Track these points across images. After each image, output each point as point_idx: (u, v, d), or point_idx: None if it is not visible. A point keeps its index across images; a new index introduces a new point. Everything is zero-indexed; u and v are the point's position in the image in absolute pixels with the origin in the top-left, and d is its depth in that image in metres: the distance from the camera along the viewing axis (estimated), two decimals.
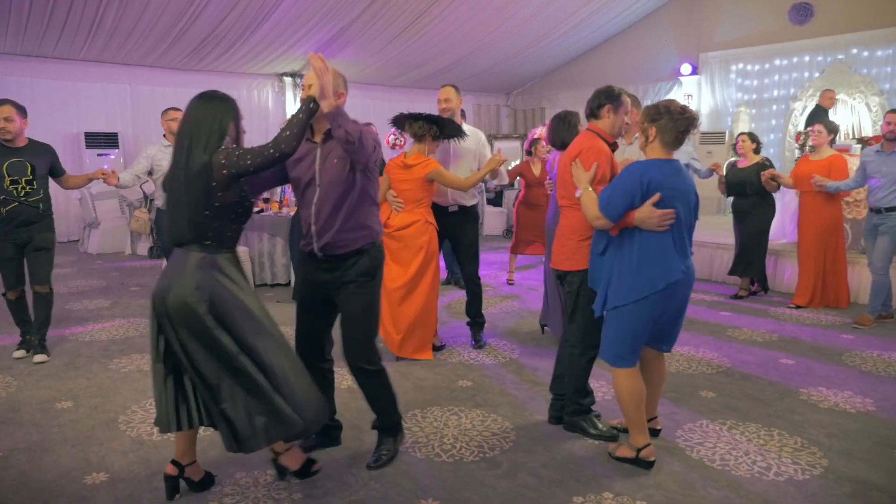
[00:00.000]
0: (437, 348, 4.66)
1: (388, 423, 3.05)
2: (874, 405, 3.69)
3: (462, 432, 3.33)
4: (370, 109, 11.91)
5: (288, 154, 2.46)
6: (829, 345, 4.85)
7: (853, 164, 6.07)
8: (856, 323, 5.33)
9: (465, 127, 4.68)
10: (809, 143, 6.96)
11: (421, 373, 4.22)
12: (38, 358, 4.42)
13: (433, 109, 4.64)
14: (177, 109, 5.09)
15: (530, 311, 5.86)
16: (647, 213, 2.74)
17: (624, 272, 2.83)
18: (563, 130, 3.96)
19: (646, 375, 3.03)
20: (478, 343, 4.76)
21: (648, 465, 2.92)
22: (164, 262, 6.54)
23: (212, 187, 2.44)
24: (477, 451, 3.13)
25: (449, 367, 4.35)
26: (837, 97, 9.27)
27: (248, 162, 2.42)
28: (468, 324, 4.83)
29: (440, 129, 4.38)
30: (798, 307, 5.89)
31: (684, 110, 2.80)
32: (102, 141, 10.11)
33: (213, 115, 2.51)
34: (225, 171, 2.43)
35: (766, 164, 6.07)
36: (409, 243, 4.35)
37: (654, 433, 3.18)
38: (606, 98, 3.15)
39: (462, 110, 4.97)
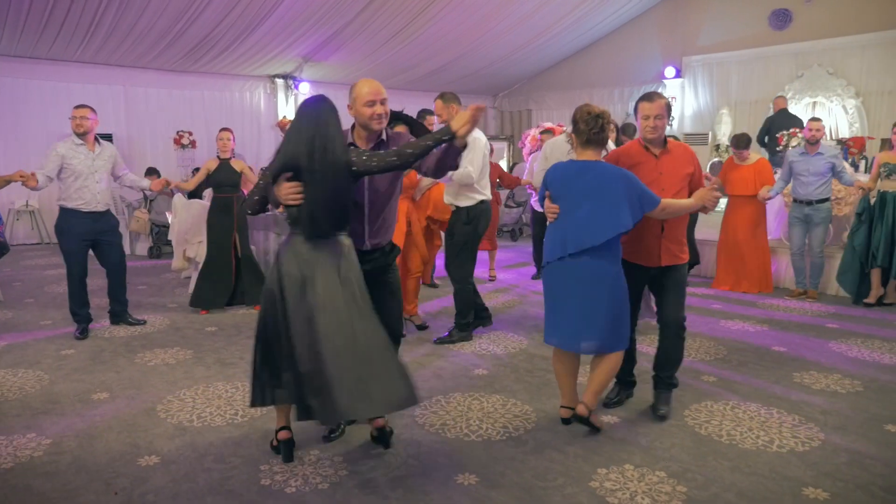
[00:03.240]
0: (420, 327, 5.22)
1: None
2: (862, 386, 3.99)
3: (486, 415, 3.56)
4: None
5: (403, 167, 2.88)
6: (816, 332, 5.17)
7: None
8: (808, 298, 6.28)
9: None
10: (792, 143, 7.34)
11: (438, 363, 4.44)
12: None
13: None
14: (85, 107, 4.94)
15: (531, 303, 6.11)
16: (545, 208, 3.36)
17: None
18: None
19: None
20: (440, 338, 4.88)
21: (562, 420, 3.40)
22: (177, 261, 6.65)
23: (350, 183, 2.85)
24: (503, 431, 3.36)
25: (463, 357, 4.58)
26: (816, 100, 9.71)
27: (374, 164, 2.80)
28: None
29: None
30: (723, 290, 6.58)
31: (589, 112, 3.22)
32: None
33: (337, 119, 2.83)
34: (355, 169, 2.81)
35: None
36: None
37: (580, 419, 3.27)
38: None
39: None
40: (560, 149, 5.30)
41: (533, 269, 7.63)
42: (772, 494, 2.74)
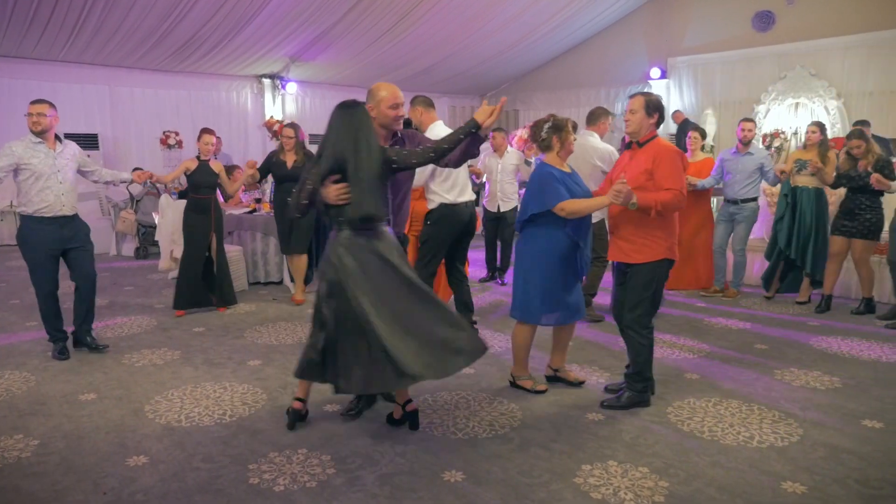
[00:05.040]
0: None
1: None
2: (840, 383, 4.08)
3: (472, 413, 3.60)
4: None
5: (438, 159, 3.22)
6: (797, 331, 5.26)
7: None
8: (724, 295, 6.39)
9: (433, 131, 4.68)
10: (775, 144, 7.45)
11: None
12: None
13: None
14: (42, 102, 4.56)
15: None
16: None
17: None
18: None
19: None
20: None
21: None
22: (164, 262, 6.62)
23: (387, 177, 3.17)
24: (489, 428, 3.40)
25: None
26: (798, 101, 9.84)
27: (413, 160, 3.14)
28: None
29: None
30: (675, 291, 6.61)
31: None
32: (82, 142, 9.98)
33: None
34: (395, 165, 3.12)
35: None
36: None
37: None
38: None
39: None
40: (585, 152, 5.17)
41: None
42: (751, 488, 2.80)
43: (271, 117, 11.87)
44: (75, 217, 4.64)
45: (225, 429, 3.41)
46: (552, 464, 3.03)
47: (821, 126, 6.02)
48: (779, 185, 6.35)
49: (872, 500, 2.72)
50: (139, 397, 3.84)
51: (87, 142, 10.18)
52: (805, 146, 6.12)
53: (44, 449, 3.18)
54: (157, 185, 8.57)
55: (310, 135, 12.04)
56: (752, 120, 6.41)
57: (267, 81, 12.01)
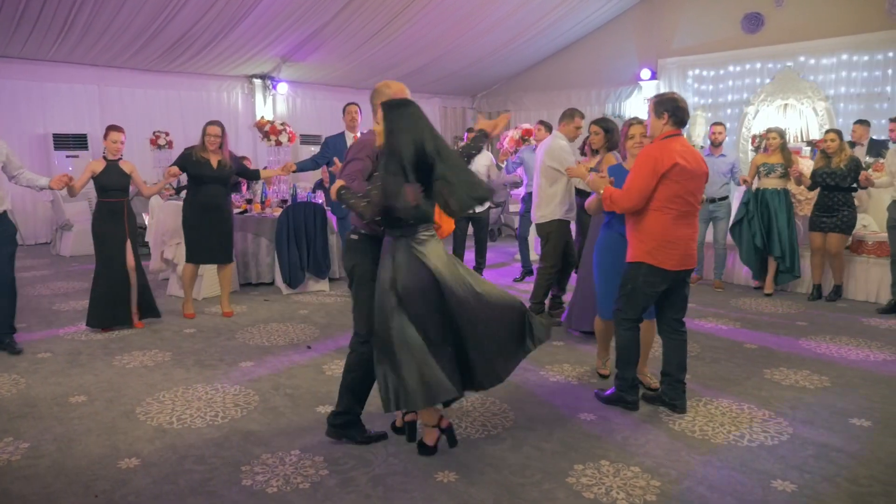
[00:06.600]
0: None
1: None
2: (829, 381, 4.11)
3: (465, 413, 3.61)
4: (337, 111, 12.07)
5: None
6: (786, 331, 5.30)
7: (805, 164, 6.68)
8: (715, 286, 6.86)
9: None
10: (764, 144, 7.51)
11: None
12: None
13: None
14: None
15: None
16: None
17: None
18: None
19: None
20: None
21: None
22: (155, 263, 6.52)
23: None
24: (482, 429, 3.41)
25: None
26: (787, 102, 9.92)
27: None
28: None
29: None
30: None
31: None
32: (71, 142, 10.05)
33: None
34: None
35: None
36: None
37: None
38: None
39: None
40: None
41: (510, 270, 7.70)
42: (742, 487, 2.82)
43: (262, 117, 11.84)
44: (2, 216, 4.59)
45: (217, 430, 3.40)
46: (545, 463, 3.04)
47: (780, 132, 6.51)
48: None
49: (861, 497, 2.75)
50: (130, 399, 3.82)
51: (77, 142, 10.14)
52: (767, 150, 6.47)
53: (34, 452, 3.16)
54: None
55: (301, 135, 12.11)
56: (721, 123, 6.87)
57: (258, 81, 11.98)
